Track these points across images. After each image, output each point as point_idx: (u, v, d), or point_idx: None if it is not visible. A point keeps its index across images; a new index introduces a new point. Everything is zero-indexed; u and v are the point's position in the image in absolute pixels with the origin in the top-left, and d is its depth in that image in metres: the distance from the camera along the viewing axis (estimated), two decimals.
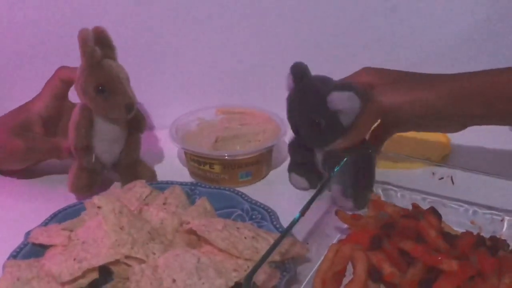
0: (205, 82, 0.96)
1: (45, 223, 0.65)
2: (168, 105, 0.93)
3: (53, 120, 0.77)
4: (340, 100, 0.64)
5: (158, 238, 0.59)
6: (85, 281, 0.55)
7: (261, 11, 0.92)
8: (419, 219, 0.59)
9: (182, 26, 0.92)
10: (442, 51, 0.94)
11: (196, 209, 0.66)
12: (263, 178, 0.81)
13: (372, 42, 0.95)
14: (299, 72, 0.71)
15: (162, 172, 0.80)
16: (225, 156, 0.76)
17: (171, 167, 0.84)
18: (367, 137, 0.72)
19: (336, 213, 0.63)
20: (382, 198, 0.69)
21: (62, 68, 0.76)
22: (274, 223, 0.65)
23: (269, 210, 0.67)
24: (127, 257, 0.56)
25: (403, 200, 0.69)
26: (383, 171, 0.70)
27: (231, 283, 0.54)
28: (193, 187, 0.72)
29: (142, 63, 0.91)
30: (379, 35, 0.94)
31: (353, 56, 0.94)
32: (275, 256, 0.54)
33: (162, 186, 0.71)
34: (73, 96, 0.75)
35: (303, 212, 0.57)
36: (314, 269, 0.58)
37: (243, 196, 0.70)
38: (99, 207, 0.59)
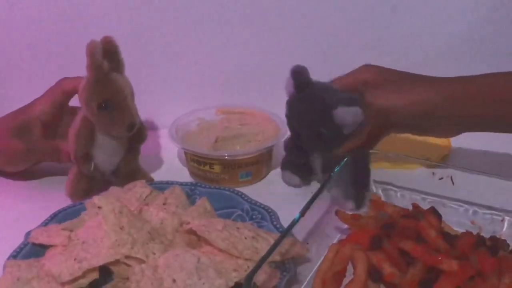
0: (205, 82, 0.96)
1: (45, 223, 0.65)
2: (168, 105, 0.93)
3: (53, 124, 0.77)
4: (347, 115, 0.65)
5: (158, 238, 0.59)
6: (85, 281, 0.55)
7: (261, 11, 0.92)
8: (419, 219, 0.59)
9: (182, 26, 0.92)
10: (442, 51, 0.94)
11: (196, 209, 0.66)
12: (263, 178, 0.81)
13: (372, 42, 0.95)
14: (301, 79, 0.70)
15: (162, 172, 0.80)
16: (225, 156, 0.76)
17: (171, 167, 0.84)
18: None
19: (336, 213, 0.63)
20: (382, 198, 0.69)
21: (64, 79, 0.75)
22: (274, 223, 0.65)
23: (269, 210, 0.67)
24: (127, 257, 0.56)
25: (403, 200, 0.69)
26: (383, 171, 0.70)
27: (231, 283, 0.54)
28: (193, 187, 0.72)
29: (142, 63, 0.91)
30: (379, 35, 0.94)
31: (353, 56, 0.93)
32: (275, 256, 0.54)
33: (162, 186, 0.71)
34: (73, 100, 0.75)
35: (303, 212, 0.57)
36: (314, 269, 0.58)
37: (243, 196, 0.70)
38: (99, 207, 0.59)
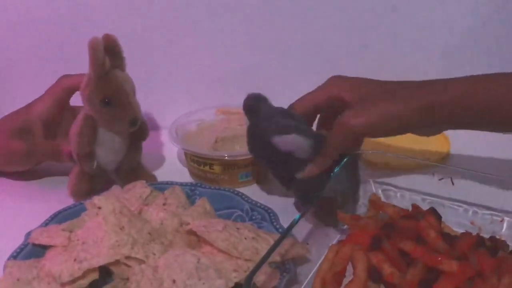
0: (205, 83, 0.96)
1: (45, 224, 0.65)
2: (168, 105, 0.93)
3: (53, 123, 0.77)
4: (284, 144, 0.64)
5: (158, 239, 0.59)
6: (85, 282, 0.55)
7: (261, 12, 0.92)
8: (419, 220, 0.59)
9: (182, 27, 0.92)
10: (441, 52, 0.94)
11: (196, 209, 0.66)
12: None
13: (371, 42, 0.95)
14: (248, 109, 0.70)
15: (162, 172, 0.80)
16: (225, 156, 0.76)
17: (171, 167, 0.84)
18: None
19: (336, 214, 0.63)
20: (382, 199, 0.69)
21: (65, 77, 0.75)
22: (274, 223, 0.65)
23: (269, 211, 0.67)
24: (127, 257, 0.56)
25: (403, 201, 0.69)
26: (383, 171, 0.70)
27: (231, 284, 0.54)
28: (193, 188, 0.72)
29: (142, 63, 0.91)
30: (379, 35, 0.94)
31: (353, 56, 0.94)
32: (275, 257, 0.54)
33: (162, 187, 0.71)
34: (74, 98, 0.75)
35: (303, 213, 0.57)
36: (314, 270, 0.58)
37: (243, 196, 0.70)
38: (99, 208, 0.59)
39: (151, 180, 0.77)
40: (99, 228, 0.58)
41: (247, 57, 0.95)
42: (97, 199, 0.60)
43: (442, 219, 0.61)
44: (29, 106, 0.76)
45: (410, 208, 0.64)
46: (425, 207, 0.63)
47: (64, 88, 0.75)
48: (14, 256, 0.60)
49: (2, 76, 0.92)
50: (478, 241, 0.57)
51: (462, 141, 0.87)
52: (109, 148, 0.73)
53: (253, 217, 0.67)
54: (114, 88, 0.69)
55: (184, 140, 0.81)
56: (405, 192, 0.70)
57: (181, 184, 0.72)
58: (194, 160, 0.79)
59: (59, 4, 0.88)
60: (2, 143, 0.75)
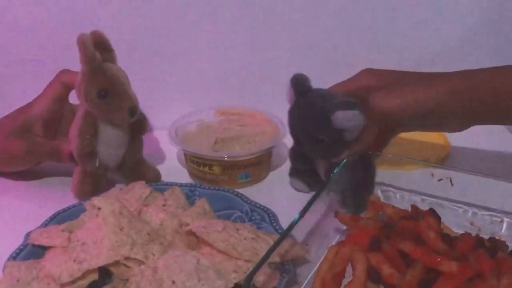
0: (204, 84, 0.96)
1: (45, 224, 0.65)
2: (167, 106, 0.93)
3: (54, 122, 0.77)
4: (345, 119, 0.64)
5: (157, 239, 0.59)
6: (84, 282, 0.55)
7: (260, 12, 0.92)
8: (418, 221, 0.59)
9: (181, 28, 0.92)
10: (441, 52, 0.95)
11: (195, 210, 0.66)
12: (262, 179, 0.81)
13: (371, 43, 0.95)
14: (299, 86, 0.70)
15: (162, 173, 0.80)
16: (225, 157, 0.76)
17: (171, 168, 0.84)
18: None
19: (336, 214, 0.63)
20: (381, 200, 0.69)
21: (64, 71, 0.75)
22: (274, 224, 0.65)
23: (269, 212, 0.67)
24: (126, 258, 0.56)
25: (402, 202, 0.69)
26: (382, 172, 0.70)
27: (231, 285, 0.54)
28: (192, 188, 0.72)
29: (141, 65, 0.91)
30: (378, 36, 0.95)
31: (352, 57, 0.94)
32: (275, 257, 0.54)
33: (161, 187, 0.71)
34: (73, 97, 0.75)
35: (302, 214, 0.57)
36: (313, 270, 0.58)
37: (243, 197, 0.70)
38: (98, 209, 0.59)
39: (154, 174, 0.77)
40: (99, 229, 0.58)
41: (247, 58, 0.95)
42: (96, 200, 0.60)
43: (442, 220, 0.62)
44: (29, 105, 0.76)
45: (409, 209, 0.64)
46: (424, 207, 0.63)
47: (64, 82, 0.75)
48: (14, 256, 0.59)
49: (2, 76, 0.92)
50: (478, 242, 0.57)
51: (461, 142, 0.87)
52: (110, 144, 0.73)
53: (253, 218, 0.67)
54: (108, 79, 0.69)
55: (184, 141, 0.81)
56: (404, 192, 0.70)
57: (181, 185, 0.72)
58: (193, 161, 0.79)
59: (59, 5, 0.88)
60: (2, 142, 0.75)
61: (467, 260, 0.54)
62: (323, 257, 0.58)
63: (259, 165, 0.79)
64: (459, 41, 0.94)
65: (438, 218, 0.61)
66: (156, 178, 0.77)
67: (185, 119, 0.85)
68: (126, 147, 0.75)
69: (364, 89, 0.68)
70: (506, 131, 0.94)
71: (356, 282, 0.54)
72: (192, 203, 0.69)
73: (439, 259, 0.53)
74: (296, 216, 0.56)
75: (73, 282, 0.54)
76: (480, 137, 0.87)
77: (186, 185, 0.72)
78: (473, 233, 0.60)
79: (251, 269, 0.50)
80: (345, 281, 0.56)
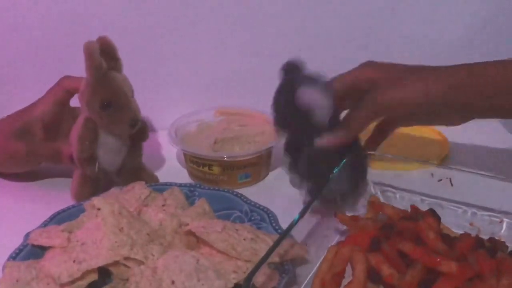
0: (204, 84, 0.96)
1: (45, 225, 0.65)
2: (167, 106, 0.93)
3: (54, 125, 0.77)
4: (308, 96, 0.63)
5: (157, 240, 0.59)
6: (84, 283, 0.55)
7: (260, 12, 0.92)
8: (418, 221, 0.59)
9: (181, 28, 0.92)
10: (441, 52, 0.95)
11: (195, 210, 0.66)
12: (262, 179, 0.81)
13: (371, 44, 0.95)
14: (288, 67, 0.69)
15: (162, 173, 0.80)
16: (224, 157, 0.76)
17: (170, 168, 0.84)
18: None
19: (335, 215, 0.63)
20: (381, 200, 0.69)
21: (66, 78, 0.75)
22: (273, 224, 0.65)
23: (268, 212, 0.67)
24: (126, 258, 0.56)
25: (402, 202, 0.69)
26: (382, 172, 0.70)
27: (230, 285, 0.54)
28: (192, 189, 0.72)
29: (141, 65, 0.91)
30: (377, 37, 0.95)
31: (351, 58, 0.93)
32: (274, 258, 0.54)
33: (161, 188, 0.71)
34: (74, 98, 0.75)
35: (302, 214, 0.57)
36: (313, 271, 0.58)
37: (242, 197, 0.70)
38: (98, 209, 0.59)
39: (153, 180, 0.77)
40: (98, 229, 0.58)
41: (247, 58, 0.95)
42: (96, 200, 0.60)
43: (441, 220, 0.62)
44: (29, 107, 0.76)
45: (409, 209, 0.64)
46: (424, 208, 0.63)
47: (65, 89, 0.74)
48: (13, 256, 0.59)
49: (2, 77, 0.92)
50: (477, 242, 0.57)
51: (461, 142, 0.87)
52: (110, 150, 0.73)
53: (252, 218, 0.67)
54: (112, 90, 0.69)
55: (183, 141, 0.81)
56: (404, 193, 0.70)
57: (180, 185, 0.72)
58: (193, 161, 0.79)
59: (59, 5, 0.88)
60: (2, 144, 0.75)
61: (466, 261, 0.54)
62: (322, 257, 0.58)
63: (258, 165, 0.79)
64: (459, 41, 0.94)
65: (437, 218, 0.61)
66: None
67: (185, 119, 0.85)
68: (126, 153, 0.75)
69: (366, 80, 0.68)
70: (506, 131, 0.95)
71: (355, 283, 0.54)
72: (191, 203, 0.69)
73: (438, 260, 0.53)
74: (296, 216, 0.56)
75: (72, 282, 0.54)
76: (480, 137, 0.87)
77: (185, 185, 0.72)
78: (473, 234, 0.60)
79: (250, 269, 0.50)
80: (344, 282, 0.56)
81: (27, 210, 0.72)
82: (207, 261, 0.55)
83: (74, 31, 0.88)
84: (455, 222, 0.65)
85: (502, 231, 0.65)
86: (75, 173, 0.74)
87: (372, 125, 0.71)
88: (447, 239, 0.58)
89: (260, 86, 0.96)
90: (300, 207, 0.58)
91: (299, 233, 0.58)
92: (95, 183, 0.73)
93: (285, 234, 0.55)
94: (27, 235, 0.62)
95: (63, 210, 0.67)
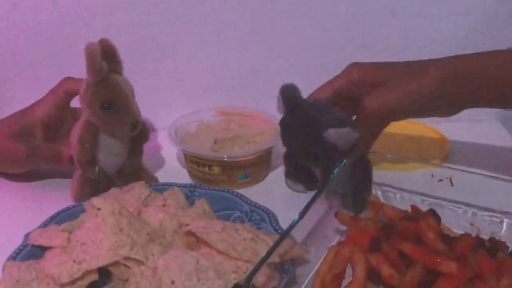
0: (204, 84, 0.96)
1: (45, 225, 0.65)
2: (167, 106, 0.93)
3: (54, 126, 0.77)
4: (337, 137, 0.64)
5: (157, 240, 0.59)
6: (84, 283, 0.55)
7: (260, 13, 0.92)
8: (418, 221, 0.59)
9: (181, 28, 0.92)
10: (441, 52, 0.94)
11: (195, 210, 0.66)
12: (262, 179, 0.81)
13: (370, 45, 0.95)
14: (290, 99, 0.70)
15: (161, 173, 0.80)
16: (224, 157, 0.76)
17: (170, 168, 0.84)
18: None
19: (335, 215, 0.63)
20: (381, 200, 0.69)
21: (67, 79, 0.75)
22: (273, 224, 0.65)
23: (268, 212, 0.67)
24: (126, 258, 0.56)
25: (402, 202, 0.69)
26: (382, 172, 0.70)
27: (230, 285, 0.54)
28: (192, 189, 0.72)
29: (141, 65, 0.91)
30: (377, 37, 0.95)
31: (352, 57, 0.93)
32: (274, 258, 0.54)
33: (161, 188, 0.71)
34: (74, 101, 0.75)
35: (302, 214, 0.57)
36: (313, 271, 0.58)
37: (242, 197, 0.70)
38: (98, 209, 0.59)
39: (153, 182, 0.77)
40: (98, 229, 0.58)
41: (247, 58, 0.95)
42: (96, 200, 0.60)
43: (442, 220, 0.61)
44: (30, 108, 0.76)
45: (409, 210, 0.64)
46: (424, 208, 0.63)
47: (66, 90, 0.74)
48: (13, 257, 0.59)
49: (2, 77, 0.92)
50: (478, 242, 0.57)
51: (461, 142, 0.87)
52: (110, 153, 0.73)
53: (252, 218, 0.67)
54: (113, 92, 0.68)
55: (183, 141, 0.81)
56: (404, 193, 0.70)
57: (180, 185, 0.72)
58: (193, 161, 0.79)
59: (60, 7, 0.88)
60: (2, 144, 0.75)
61: (467, 261, 0.54)
62: (323, 257, 0.58)
63: (258, 165, 0.79)
64: (459, 41, 0.94)
65: (438, 218, 0.61)
66: None
67: (185, 119, 0.85)
68: (126, 155, 0.75)
69: (352, 84, 0.68)
70: (506, 131, 0.94)
71: (356, 283, 0.54)
72: (191, 204, 0.69)
73: (438, 260, 0.53)
74: (296, 216, 0.56)
75: (72, 282, 0.54)
76: (480, 137, 0.87)
77: (185, 185, 0.72)
78: (473, 234, 0.60)
79: (250, 269, 0.50)
80: (345, 282, 0.56)
81: (27, 210, 0.72)
82: (207, 261, 0.55)
83: (75, 31, 0.88)
84: (455, 222, 0.65)
85: (503, 231, 0.64)
86: (75, 174, 0.74)
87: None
88: (447, 239, 0.58)
89: (260, 86, 0.97)
90: (300, 207, 0.58)
91: (299, 233, 0.57)
92: (95, 185, 0.73)
93: (285, 234, 0.55)
94: (27, 235, 0.62)
95: (63, 210, 0.67)
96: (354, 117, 0.69)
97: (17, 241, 0.62)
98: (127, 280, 0.56)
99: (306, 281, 0.57)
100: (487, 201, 0.65)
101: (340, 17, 0.93)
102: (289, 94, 0.71)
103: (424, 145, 0.87)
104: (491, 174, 0.65)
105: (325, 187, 0.62)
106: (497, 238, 0.62)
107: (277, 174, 0.82)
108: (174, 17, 0.91)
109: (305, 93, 0.73)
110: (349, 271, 0.56)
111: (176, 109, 0.87)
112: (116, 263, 0.56)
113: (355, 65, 0.70)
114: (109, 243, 0.56)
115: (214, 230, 0.58)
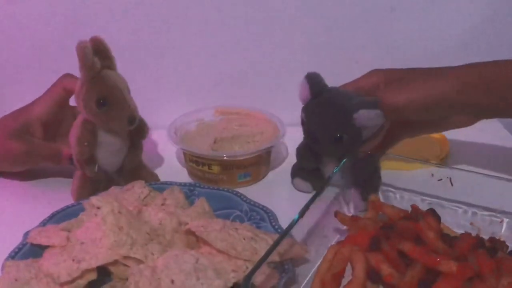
0: (204, 83, 0.96)
1: (44, 224, 0.65)
2: (167, 105, 0.93)
3: (53, 124, 0.77)
4: (367, 118, 0.66)
5: (156, 239, 0.59)
6: (83, 282, 0.55)
7: (260, 12, 0.92)
8: (418, 221, 0.59)
9: (180, 27, 0.92)
10: (441, 52, 0.95)
11: (194, 209, 0.66)
12: (261, 179, 0.81)
13: (370, 44, 0.95)
14: (316, 84, 0.70)
15: (161, 172, 0.80)
16: (224, 156, 0.76)
17: (170, 167, 0.84)
18: None
19: (335, 214, 0.63)
20: (381, 200, 0.69)
21: (66, 76, 0.75)
22: (273, 224, 0.65)
23: (268, 211, 0.67)
24: (125, 257, 0.56)
25: (402, 202, 0.69)
26: (382, 172, 0.70)
27: (230, 284, 0.54)
28: (191, 188, 0.72)
29: (141, 64, 0.91)
30: (377, 36, 0.95)
31: (351, 57, 0.94)
32: (274, 257, 0.54)
33: (161, 187, 0.71)
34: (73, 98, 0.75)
35: (302, 213, 0.57)
36: (313, 270, 0.58)
37: (242, 197, 0.70)
38: (98, 208, 0.59)
39: (153, 179, 0.77)
40: (98, 228, 0.58)
41: (247, 58, 0.95)
42: (95, 199, 0.60)
43: (441, 220, 0.61)
44: (29, 106, 0.76)
45: (409, 209, 0.64)
46: (424, 208, 0.63)
47: (65, 87, 0.74)
48: (12, 256, 0.59)
49: (2, 77, 0.92)
50: (478, 242, 0.57)
51: (461, 142, 0.87)
52: (109, 150, 0.72)
53: (252, 217, 0.67)
54: (107, 88, 0.68)
55: (183, 140, 0.81)
56: (404, 193, 0.70)
57: (180, 184, 0.72)
58: (193, 160, 0.79)
59: (59, 6, 0.88)
60: (1, 143, 0.74)
61: (466, 260, 0.54)
62: (322, 256, 0.58)
63: (258, 164, 0.79)
64: (459, 41, 0.94)
65: (438, 218, 0.61)
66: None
67: (185, 118, 0.85)
68: (125, 153, 0.75)
69: (374, 87, 0.68)
70: (506, 131, 0.94)
71: (355, 282, 0.54)
72: (191, 203, 0.69)
73: (438, 259, 0.53)
74: (296, 215, 0.56)
75: (72, 281, 0.54)
76: (480, 137, 0.87)
77: (185, 184, 0.72)
78: (473, 233, 0.60)
79: (250, 268, 0.50)
80: (344, 281, 0.56)
81: (27, 209, 0.72)
82: (206, 260, 0.55)
83: (74, 31, 0.88)
84: (455, 222, 0.65)
85: (503, 231, 0.64)
86: (75, 173, 0.73)
87: None
88: (447, 239, 0.58)
89: (260, 86, 0.97)
90: (300, 206, 0.58)
91: (299, 233, 0.57)
92: (95, 184, 0.73)
93: (285, 233, 0.55)
94: (26, 234, 0.62)
95: (63, 209, 0.67)
96: None
97: (16, 240, 0.62)
98: (126, 279, 0.55)
99: (306, 280, 0.57)
100: (487, 201, 0.65)
101: (341, 16, 0.93)
102: (315, 80, 0.71)
103: (424, 145, 0.86)
104: (491, 174, 0.65)
105: (325, 187, 0.62)
106: (497, 237, 0.62)
107: (277, 174, 0.82)
108: (174, 17, 0.91)
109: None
110: (348, 270, 0.56)
111: (176, 108, 0.87)
112: (115, 262, 0.56)
113: (376, 71, 0.70)
114: (109, 242, 0.56)
115: (213, 229, 0.58)
